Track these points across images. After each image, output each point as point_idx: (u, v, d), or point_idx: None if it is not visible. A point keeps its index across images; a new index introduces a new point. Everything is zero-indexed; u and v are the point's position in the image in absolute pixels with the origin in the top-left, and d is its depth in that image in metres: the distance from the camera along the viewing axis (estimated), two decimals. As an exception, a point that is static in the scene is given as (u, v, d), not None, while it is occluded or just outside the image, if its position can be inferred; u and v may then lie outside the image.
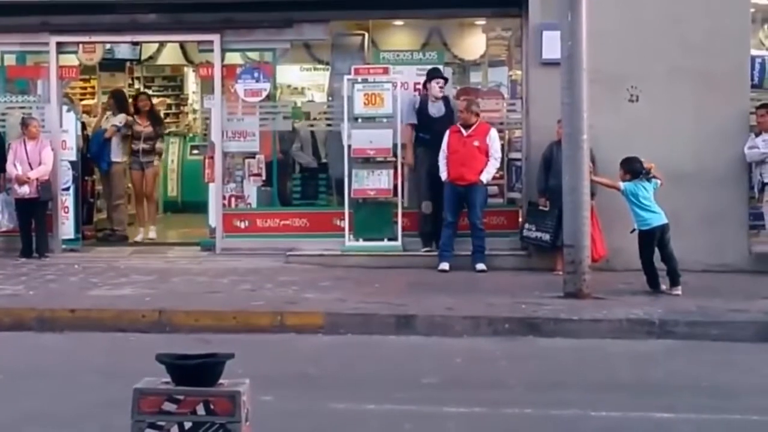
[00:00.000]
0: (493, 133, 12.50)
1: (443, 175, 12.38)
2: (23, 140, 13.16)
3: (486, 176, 12.32)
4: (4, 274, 12.07)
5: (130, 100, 15.77)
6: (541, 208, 12.19)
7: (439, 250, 12.49)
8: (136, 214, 15.29)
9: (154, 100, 17.53)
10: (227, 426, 4.43)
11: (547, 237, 12.07)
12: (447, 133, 12.43)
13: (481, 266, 12.31)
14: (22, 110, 13.73)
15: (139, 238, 14.76)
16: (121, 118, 14.85)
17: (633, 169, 10.87)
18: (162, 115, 17.52)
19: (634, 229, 10.91)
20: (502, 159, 12.82)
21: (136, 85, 18.91)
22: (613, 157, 11.30)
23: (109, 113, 15.27)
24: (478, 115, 12.48)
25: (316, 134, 14.23)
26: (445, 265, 12.29)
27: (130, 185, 15.24)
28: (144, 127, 14.85)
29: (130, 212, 15.47)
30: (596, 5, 10.95)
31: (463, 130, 12.40)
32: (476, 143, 12.31)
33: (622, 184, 10.87)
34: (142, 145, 14.82)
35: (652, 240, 10.82)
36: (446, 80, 12.87)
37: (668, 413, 6.97)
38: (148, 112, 15.14)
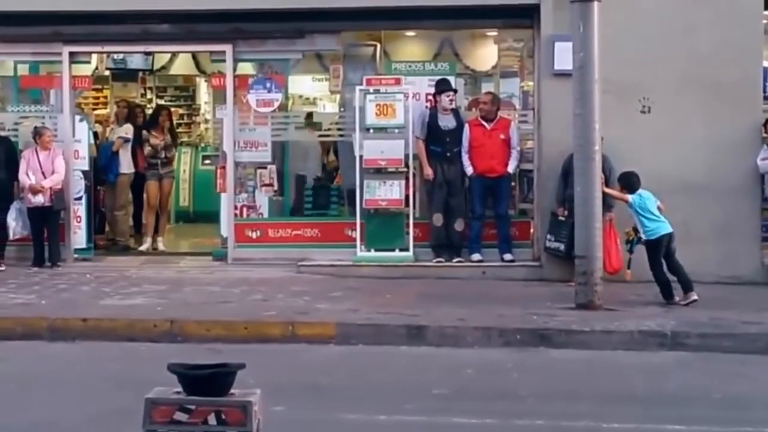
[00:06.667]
0: (513, 125, 12.93)
1: (468, 170, 12.65)
2: (35, 149, 13.16)
3: (512, 168, 12.77)
4: (17, 282, 12.08)
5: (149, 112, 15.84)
6: (560, 218, 12.18)
7: (469, 242, 12.79)
8: (146, 224, 15.21)
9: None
10: (238, 436, 4.44)
11: (562, 247, 12.06)
12: (467, 127, 12.72)
13: (509, 256, 12.71)
14: (36, 119, 13.76)
15: (144, 248, 14.73)
16: (127, 129, 14.88)
17: (629, 183, 10.96)
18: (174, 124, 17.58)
19: (641, 239, 10.91)
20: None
21: (149, 96, 18.93)
22: (624, 168, 11.30)
23: (114, 125, 15.30)
24: (499, 108, 12.87)
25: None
26: (477, 256, 12.69)
27: (144, 195, 15.17)
28: (161, 140, 14.86)
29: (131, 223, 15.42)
30: (608, 16, 10.95)
31: (486, 124, 12.68)
32: (502, 136, 12.71)
33: (629, 197, 10.88)
34: (161, 157, 14.86)
35: (660, 249, 10.81)
36: (455, 92, 12.91)
37: (680, 425, 6.96)
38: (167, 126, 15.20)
